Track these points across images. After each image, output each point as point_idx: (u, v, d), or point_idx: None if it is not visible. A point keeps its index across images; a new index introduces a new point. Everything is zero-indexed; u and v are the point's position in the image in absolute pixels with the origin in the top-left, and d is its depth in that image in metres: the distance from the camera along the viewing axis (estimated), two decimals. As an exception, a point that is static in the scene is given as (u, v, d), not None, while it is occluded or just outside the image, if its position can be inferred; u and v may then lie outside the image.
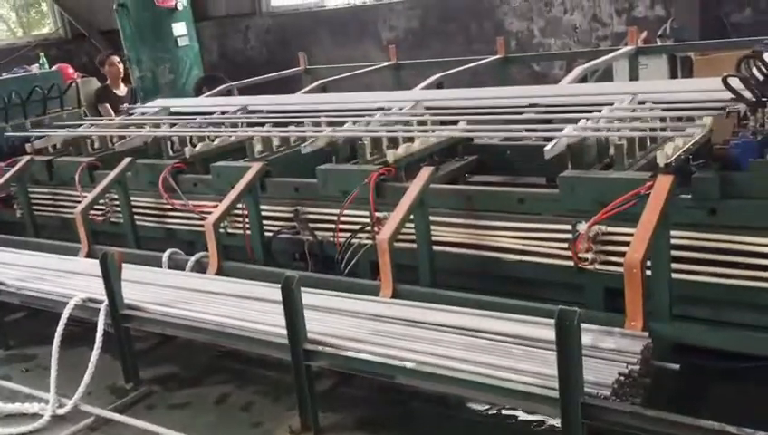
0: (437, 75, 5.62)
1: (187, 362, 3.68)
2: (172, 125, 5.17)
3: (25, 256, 4.33)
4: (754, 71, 2.97)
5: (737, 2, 7.14)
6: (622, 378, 2.25)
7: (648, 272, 2.64)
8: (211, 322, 3.14)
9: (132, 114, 5.75)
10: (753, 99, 2.94)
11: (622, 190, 2.77)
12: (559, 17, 8.07)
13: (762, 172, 2.68)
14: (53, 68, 7.17)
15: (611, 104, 3.60)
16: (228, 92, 6.84)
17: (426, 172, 3.35)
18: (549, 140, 3.17)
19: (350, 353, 2.71)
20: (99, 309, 3.39)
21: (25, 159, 4.98)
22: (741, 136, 2.85)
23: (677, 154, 2.91)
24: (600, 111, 3.49)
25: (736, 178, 2.72)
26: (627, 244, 2.67)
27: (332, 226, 3.62)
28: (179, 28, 9.62)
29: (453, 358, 2.50)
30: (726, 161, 2.84)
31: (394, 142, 3.84)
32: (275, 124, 4.54)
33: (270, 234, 3.92)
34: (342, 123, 4.09)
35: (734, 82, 2.96)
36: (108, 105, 7.46)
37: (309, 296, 2.95)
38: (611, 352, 2.39)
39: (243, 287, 3.43)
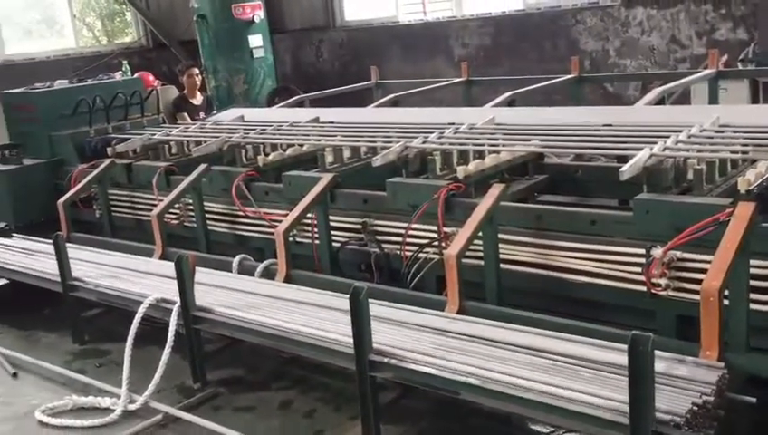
0: (510, 93, 5.59)
1: (253, 367, 3.75)
2: (246, 134, 5.32)
3: (103, 255, 4.51)
4: None
5: (826, 26, 6.88)
6: (696, 408, 2.18)
7: (725, 301, 2.56)
8: (278, 328, 3.20)
9: (207, 123, 5.91)
10: (844, 127, 2.83)
11: (701, 216, 2.71)
12: (636, 38, 7.93)
13: None
14: (135, 75, 7.44)
15: (690, 127, 3.51)
16: (300, 104, 6.97)
17: (496, 189, 3.34)
18: (624, 160, 3.12)
19: (415, 366, 2.71)
20: (171, 310, 3.49)
21: (107, 161, 5.17)
22: (829, 164, 2.74)
23: (760, 181, 2.83)
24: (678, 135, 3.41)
25: (822, 207, 2.62)
26: (703, 271, 2.61)
27: (400, 239, 3.64)
28: (255, 40, 9.86)
29: (519, 377, 2.48)
30: (812, 190, 2.74)
31: (464, 158, 3.84)
32: (346, 136, 4.61)
33: (338, 244, 3.97)
34: (413, 138, 4.12)
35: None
36: (185, 114, 7.70)
37: (375, 308, 2.97)
38: (685, 380, 2.32)
39: (310, 295, 3.47)
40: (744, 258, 2.59)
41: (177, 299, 3.47)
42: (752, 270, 2.63)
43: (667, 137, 3.35)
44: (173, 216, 4.70)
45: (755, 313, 2.63)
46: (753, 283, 2.64)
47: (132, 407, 3.39)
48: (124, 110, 6.09)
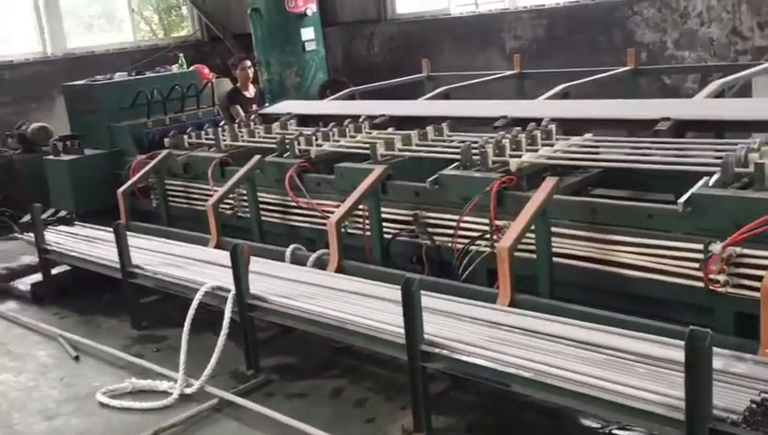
0: (563, 85, 5.52)
1: (305, 355, 3.81)
2: (299, 126, 5.38)
3: (160, 243, 4.63)
4: None
5: None
6: (754, 406, 2.14)
7: (787, 299, 2.50)
8: (330, 316, 3.24)
9: (260, 115, 6.00)
10: None
11: (762, 211, 2.65)
12: (695, 29, 7.72)
13: None
14: (191, 68, 7.59)
15: (752, 121, 3.43)
16: (351, 97, 7.00)
17: (550, 182, 3.31)
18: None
19: (466, 358, 2.72)
20: (226, 297, 3.57)
21: (164, 152, 5.30)
22: None
23: (825, 176, 2.75)
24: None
25: None
26: (764, 267, 2.56)
27: (451, 231, 3.64)
28: (308, 33, 9.93)
29: (573, 371, 2.46)
30: None
31: (517, 151, 3.82)
32: (398, 129, 4.61)
33: (389, 236, 3.99)
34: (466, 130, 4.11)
35: None
36: (238, 106, 7.84)
37: (426, 299, 2.99)
38: (743, 378, 2.28)
39: (361, 286, 3.51)
40: (808, 255, 2.52)
41: (232, 287, 3.55)
42: (816, 267, 2.57)
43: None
44: (227, 206, 4.78)
45: (819, 311, 2.56)
46: (816, 281, 2.57)
47: (189, 391, 3.48)
48: (180, 102, 6.22)
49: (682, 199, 2.89)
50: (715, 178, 2.97)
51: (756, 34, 7.33)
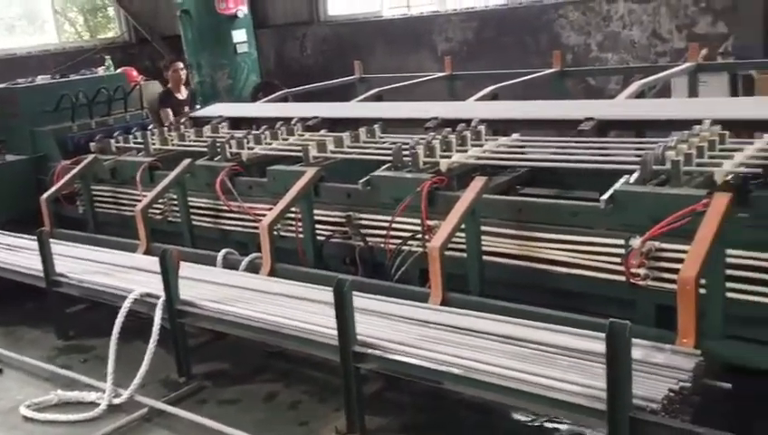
0: (492, 87, 5.62)
1: (238, 360, 3.77)
2: (230, 129, 5.32)
3: (86, 250, 4.50)
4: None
5: (803, 20, 6.97)
6: (672, 394, 2.23)
7: (702, 290, 2.61)
8: (263, 320, 3.22)
9: (191, 118, 5.91)
10: (817, 118, 2.88)
11: (678, 207, 2.76)
12: (617, 32, 7.99)
13: (823, 193, 2.63)
14: (118, 71, 7.41)
15: (670, 121, 3.56)
16: (284, 99, 6.96)
17: (479, 182, 3.37)
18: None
19: (398, 357, 2.75)
20: (156, 304, 3.51)
21: (90, 157, 5.16)
22: (802, 156, 2.80)
23: (736, 172, 2.88)
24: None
25: (796, 198, 2.68)
26: (680, 261, 2.66)
27: (384, 232, 3.67)
28: (239, 35, 9.83)
29: (500, 366, 2.52)
30: (787, 181, 2.79)
31: (448, 152, 3.87)
32: (330, 131, 4.62)
33: (322, 238, 3.99)
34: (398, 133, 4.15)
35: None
36: (169, 109, 7.69)
37: (359, 300, 3.00)
38: (662, 367, 2.37)
39: (294, 289, 3.50)
40: (720, 248, 2.64)
41: (162, 293, 3.48)
42: (727, 259, 2.69)
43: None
44: (157, 211, 4.70)
45: (731, 301, 2.69)
46: (728, 272, 2.69)
47: (117, 401, 3.40)
48: (107, 105, 6.06)
49: (604, 197, 2.98)
50: (635, 175, 3.08)
51: (675, 37, 7.63)
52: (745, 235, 2.72)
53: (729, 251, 2.69)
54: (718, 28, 7.39)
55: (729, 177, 2.86)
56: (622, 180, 3.06)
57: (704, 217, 2.65)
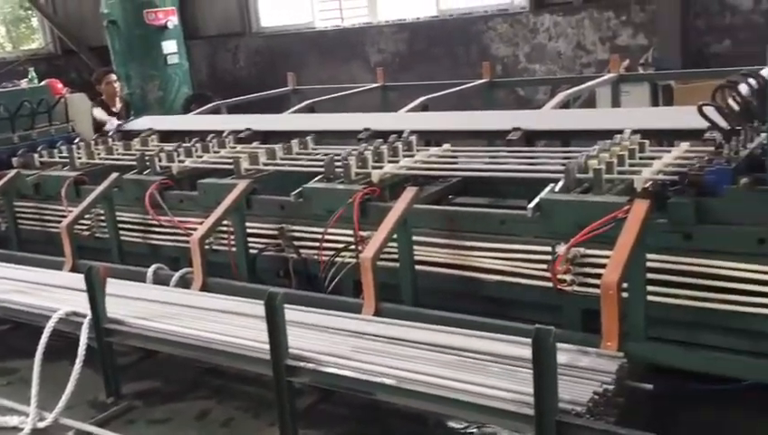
0: (423, 98, 5.70)
1: (169, 378, 3.69)
2: (161, 142, 5.23)
3: (9, 269, 4.34)
4: (729, 100, 3.07)
5: (717, 33, 7.31)
6: (597, 397, 2.30)
7: (625, 294, 2.70)
8: (194, 337, 3.16)
9: (121, 131, 5.78)
10: (728, 127, 3.02)
11: (600, 214, 2.84)
12: (544, 44, 8.22)
13: (735, 199, 2.76)
14: (42, 83, 7.19)
15: (593, 131, 3.68)
16: (216, 111, 6.89)
17: (410, 193, 3.41)
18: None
19: (331, 370, 2.74)
20: (82, 323, 3.40)
21: (12, 173, 4.99)
22: (716, 163, 2.93)
23: (654, 179, 2.99)
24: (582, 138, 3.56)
25: (711, 203, 2.80)
26: (604, 266, 2.74)
27: (317, 244, 3.66)
28: (169, 46, 9.69)
29: (432, 375, 2.54)
30: (702, 187, 2.91)
31: (379, 163, 3.90)
32: (263, 143, 4.59)
33: (255, 251, 3.95)
34: (330, 145, 4.15)
35: (710, 111, 3.05)
36: (101, 109, 7.47)
37: (292, 313, 2.98)
38: (587, 371, 2.44)
39: (226, 303, 3.45)
40: (641, 253, 2.73)
41: (88, 312, 3.39)
42: (648, 264, 2.79)
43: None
44: (84, 227, 4.57)
45: (653, 304, 2.78)
46: (649, 276, 2.79)
47: (42, 425, 3.28)
48: (31, 119, 5.88)
49: (530, 205, 3.06)
50: (560, 184, 3.16)
51: (599, 48, 7.89)
52: (664, 240, 2.83)
53: (649, 256, 2.79)
54: (638, 40, 7.69)
55: (648, 184, 2.96)
56: (548, 189, 3.14)
57: (625, 223, 2.74)
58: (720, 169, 2.85)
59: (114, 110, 7.78)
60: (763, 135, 3.16)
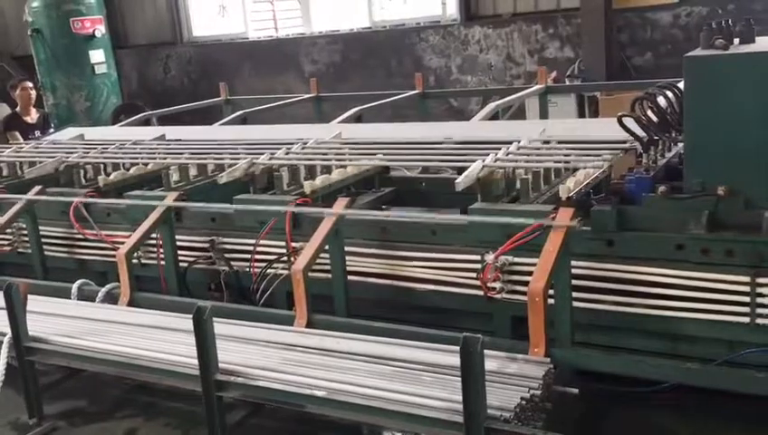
0: (357, 108, 5.72)
1: (95, 397, 3.57)
2: (86, 153, 5.09)
3: (-77, 287, 4.13)
4: (648, 112, 3.18)
5: (639, 46, 7.59)
6: (524, 402, 2.34)
7: (551, 300, 2.76)
8: (120, 353, 3.08)
9: (43, 142, 5.60)
10: (647, 137, 3.13)
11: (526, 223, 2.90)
12: (475, 55, 8.37)
13: (654, 206, 2.86)
14: (-40, 92, 6.93)
15: (519, 141, 3.76)
16: (147, 121, 6.76)
17: (341, 203, 3.40)
18: (462, 172, 3.28)
19: (261, 383, 2.71)
20: (1, 342, 3.27)
21: (-75, 186, 4.76)
22: (635, 172, 3.03)
23: (578, 188, 3.08)
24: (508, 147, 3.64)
25: (631, 211, 2.89)
26: (531, 274, 2.79)
27: (249, 256, 3.62)
28: (97, 56, 9.46)
29: (364, 386, 2.54)
30: (623, 196, 3.01)
31: (312, 174, 3.89)
32: (193, 154, 4.52)
33: (185, 264, 3.88)
34: (260, 154, 4.12)
35: (629, 122, 3.16)
36: (17, 133, 7.21)
37: (222, 327, 2.94)
38: (515, 377, 2.48)
39: (155, 318, 3.37)
40: (566, 260, 2.80)
41: (8, 330, 3.26)
42: (573, 270, 2.86)
43: (499, 149, 3.57)
44: (5, 242, 4.40)
45: (578, 310, 2.85)
46: (575, 282, 2.86)
47: (-42, 450, 3.14)
48: (-54, 129, 5.65)
49: (458, 179, 3.10)
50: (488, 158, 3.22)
51: (527, 60, 8.09)
52: (588, 247, 2.91)
53: (574, 262, 2.86)
54: (566, 53, 7.91)
55: (572, 193, 3.04)
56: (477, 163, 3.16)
57: (549, 231, 2.81)
58: (639, 178, 2.96)
59: (28, 120, 7.52)
60: (680, 145, 3.29)
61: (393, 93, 6.56)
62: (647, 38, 7.53)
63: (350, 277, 3.39)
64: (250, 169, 3.89)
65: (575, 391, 2.53)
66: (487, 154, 3.51)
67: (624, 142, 3.49)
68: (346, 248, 3.38)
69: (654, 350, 2.83)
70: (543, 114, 6.05)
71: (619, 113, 3.11)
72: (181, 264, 3.88)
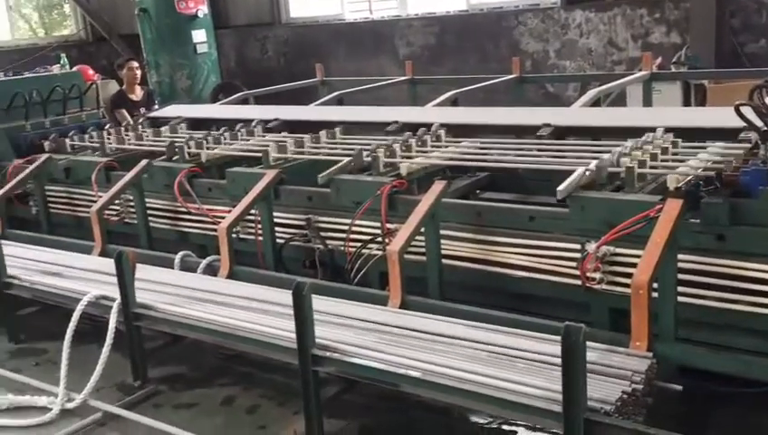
0: (452, 92, 5.67)
1: (195, 363, 3.73)
2: (189, 130, 5.26)
3: (39, 252, 4.40)
4: (767, 100, 3.02)
5: (753, 32, 7.19)
6: (625, 396, 2.28)
7: (655, 294, 2.67)
8: (221, 323, 3.19)
9: (148, 119, 5.83)
10: (765, 128, 2.97)
11: (632, 212, 2.81)
12: (575, 40, 8.13)
13: (771, 200, 2.71)
14: (74, 69, 7.27)
15: (624, 128, 3.63)
16: (245, 101, 6.92)
17: (438, 186, 3.39)
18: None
19: (356, 360, 2.75)
20: (111, 307, 3.45)
21: (43, 157, 5.05)
22: (751, 164, 2.88)
23: (688, 179, 2.96)
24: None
25: (745, 205, 2.75)
26: (634, 265, 2.71)
27: (344, 235, 3.67)
28: (199, 35, 9.74)
29: (458, 369, 2.53)
30: (736, 188, 2.87)
31: (408, 156, 3.89)
32: (292, 133, 4.60)
33: (281, 241, 3.97)
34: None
35: (747, 111, 3.00)
36: (124, 111, 7.53)
37: (318, 303, 2.99)
38: (616, 370, 2.42)
39: (253, 291, 3.47)
40: (672, 253, 2.70)
41: (117, 296, 3.43)
42: (679, 264, 2.75)
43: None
44: (113, 212, 4.62)
45: (683, 305, 2.75)
46: (680, 276, 2.76)
47: (70, 405, 3.33)
48: (62, 104, 5.95)
49: (560, 188, 3.02)
50: (585, 174, 3.12)
51: (630, 46, 7.80)
52: (696, 240, 2.79)
53: (681, 256, 2.76)
54: (672, 38, 7.58)
55: (681, 183, 2.93)
56: (574, 175, 3.08)
57: (656, 222, 2.71)
58: (756, 170, 2.81)
59: (133, 97, 7.81)
60: (801, 136, 3.10)
61: (489, 78, 6.47)
62: (762, 23, 7.12)
63: (443, 261, 3.38)
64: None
65: (679, 388, 2.45)
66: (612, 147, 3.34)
67: (737, 132, 3.33)
68: (441, 232, 3.37)
69: (762, 350, 2.70)
70: (647, 102, 5.83)
71: (737, 101, 2.95)
72: (277, 240, 3.97)
